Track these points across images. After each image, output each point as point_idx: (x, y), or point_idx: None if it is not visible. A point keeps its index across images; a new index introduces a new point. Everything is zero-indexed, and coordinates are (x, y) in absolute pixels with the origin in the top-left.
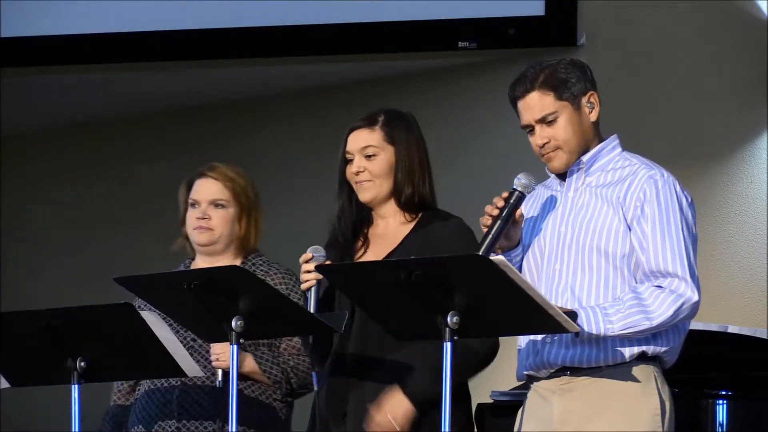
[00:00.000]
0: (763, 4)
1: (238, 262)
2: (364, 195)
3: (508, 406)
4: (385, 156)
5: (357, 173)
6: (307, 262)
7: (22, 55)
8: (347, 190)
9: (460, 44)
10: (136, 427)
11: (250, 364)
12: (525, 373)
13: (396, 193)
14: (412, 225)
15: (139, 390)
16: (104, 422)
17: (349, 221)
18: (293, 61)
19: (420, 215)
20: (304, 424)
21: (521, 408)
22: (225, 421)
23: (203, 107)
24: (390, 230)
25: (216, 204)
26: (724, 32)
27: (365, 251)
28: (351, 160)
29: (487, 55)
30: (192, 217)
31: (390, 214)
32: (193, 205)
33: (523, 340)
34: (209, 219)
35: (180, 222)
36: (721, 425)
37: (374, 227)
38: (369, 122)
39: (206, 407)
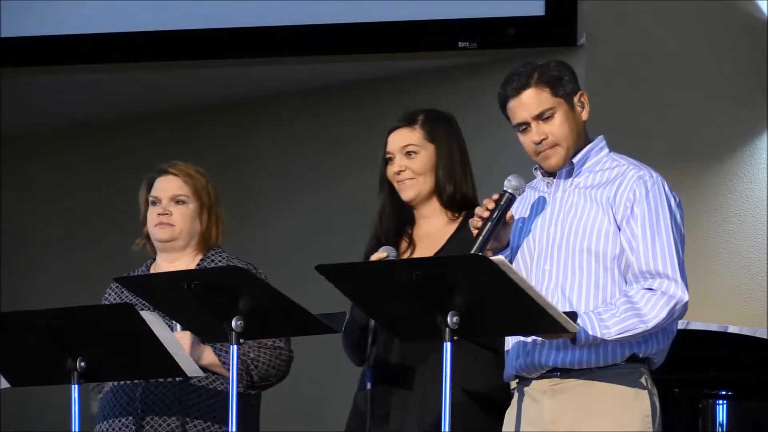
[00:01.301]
0: (763, 4)
1: (198, 259)
2: (406, 193)
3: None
4: (426, 154)
5: (398, 172)
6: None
7: (22, 55)
8: (388, 190)
9: (460, 44)
10: (101, 424)
11: (209, 356)
12: (514, 373)
13: (438, 192)
14: (456, 224)
15: (104, 389)
16: None
17: (391, 221)
18: (293, 61)
19: (463, 214)
20: (303, 424)
21: (509, 409)
22: (189, 416)
23: (203, 107)
24: (434, 230)
25: (176, 200)
26: (724, 32)
27: (411, 252)
28: (391, 160)
29: (487, 55)
30: (153, 214)
31: (432, 213)
32: (153, 202)
33: (510, 341)
34: (170, 215)
35: (141, 222)
36: (721, 425)
37: (418, 228)
38: (409, 121)
39: (169, 404)
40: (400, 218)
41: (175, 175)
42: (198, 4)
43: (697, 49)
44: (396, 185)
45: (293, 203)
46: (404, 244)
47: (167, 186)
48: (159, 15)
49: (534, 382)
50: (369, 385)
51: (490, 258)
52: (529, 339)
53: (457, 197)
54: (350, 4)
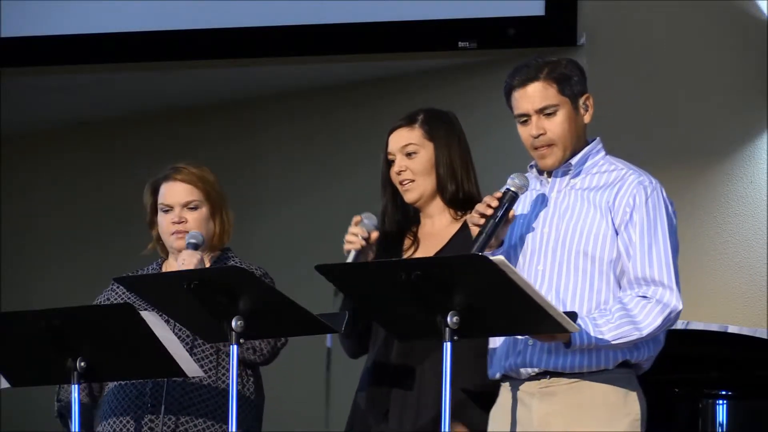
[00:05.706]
0: (763, 4)
1: (209, 261)
2: (409, 196)
3: None
4: (426, 153)
5: (399, 173)
6: (356, 225)
7: (22, 55)
8: (391, 190)
9: (460, 44)
10: (107, 421)
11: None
12: (503, 373)
13: (440, 190)
14: (459, 223)
15: (108, 385)
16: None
17: (393, 221)
18: (293, 61)
19: (467, 213)
20: (309, 423)
21: (495, 408)
22: (191, 415)
23: (203, 107)
24: (437, 229)
25: (189, 206)
26: (724, 32)
27: (415, 251)
28: (393, 161)
29: (487, 55)
30: (167, 222)
31: (436, 212)
32: (165, 209)
33: (498, 340)
34: (185, 222)
35: (148, 226)
36: (721, 425)
37: (422, 226)
38: (408, 121)
39: (180, 400)
40: (404, 218)
41: (185, 181)
42: (198, 4)
43: (697, 49)
44: (398, 187)
45: (294, 203)
46: (408, 242)
47: (178, 192)
48: (159, 15)
49: (525, 383)
50: (368, 385)
51: (490, 258)
52: (520, 338)
53: (459, 196)
54: (350, 4)
